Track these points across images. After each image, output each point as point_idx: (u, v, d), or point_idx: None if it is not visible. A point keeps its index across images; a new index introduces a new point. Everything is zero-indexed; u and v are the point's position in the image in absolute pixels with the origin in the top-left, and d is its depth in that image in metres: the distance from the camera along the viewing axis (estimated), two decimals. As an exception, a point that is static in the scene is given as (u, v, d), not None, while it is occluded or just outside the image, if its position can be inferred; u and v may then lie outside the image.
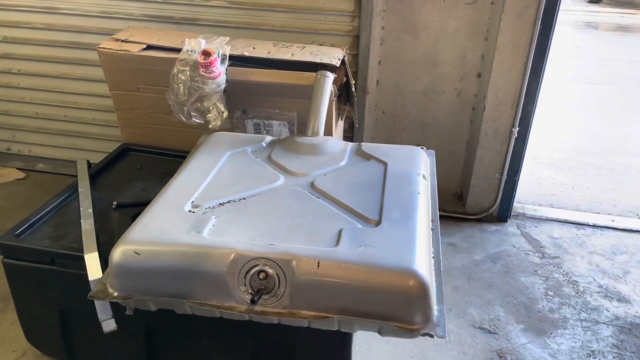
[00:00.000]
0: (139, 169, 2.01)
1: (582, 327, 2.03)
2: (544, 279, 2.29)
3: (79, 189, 1.79)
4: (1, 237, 1.55)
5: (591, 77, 5.52)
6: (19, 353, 1.83)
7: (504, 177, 2.58)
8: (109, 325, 1.43)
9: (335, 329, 1.21)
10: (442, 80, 2.50)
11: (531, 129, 2.48)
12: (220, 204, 1.38)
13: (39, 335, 1.72)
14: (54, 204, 1.73)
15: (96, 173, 1.94)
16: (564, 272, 2.33)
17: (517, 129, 2.45)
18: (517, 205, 2.79)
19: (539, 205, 2.88)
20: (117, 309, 1.40)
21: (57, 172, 2.99)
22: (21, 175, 2.96)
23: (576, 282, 2.28)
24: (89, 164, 1.97)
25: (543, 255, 2.44)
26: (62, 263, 1.53)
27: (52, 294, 1.59)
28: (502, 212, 2.68)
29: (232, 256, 1.17)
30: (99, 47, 2.01)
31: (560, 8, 2.25)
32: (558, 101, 4.64)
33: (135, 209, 1.69)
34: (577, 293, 2.21)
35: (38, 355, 1.77)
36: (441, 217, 2.68)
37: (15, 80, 2.84)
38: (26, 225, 1.61)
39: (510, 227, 2.66)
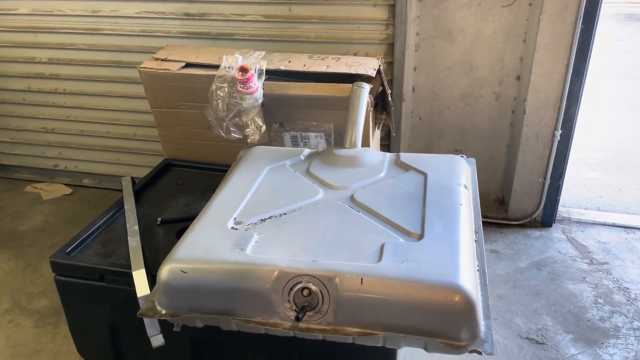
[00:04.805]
0: (181, 184, 2.05)
1: (635, 336, 1.95)
2: (593, 286, 2.21)
3: (125, 206, 1.84)
4: (53, 255, 1.61)
5: (636, 72, 5.33)
6: (72, 366, 1.90)
7: (547, 181, 2.51)
8: (157, 340, 1.47)
9: (380, 345, 1.20)
10: (479, 84, 2.46)
11: (575, 131, 2.41)
12: (261, 220, 1.40)
13: (91, 349, 1.77)
14: (101, 221, 1.78)
15: (140, 189, 1.99)
16: (614, 279, 2.25)
17: (560, 131, 2.38)
18: (562, 209, 2.71)
19: (585, 209, 2.79)
20: (164, 324, 1.43)
21: (102, 186, 3.09)
22: (68, 190, 3.07)
23: (627, 288, 2.19)
24: (133, 181, 2.02)
25: (591, 261, 2.36)
26: (111, 280, 1.57)
27: (102, 309, 1.64)
28: (546, 217, 2.61)
29: (275, 273, 1.18)
30: (140, 67, 2.07)
31: (601, 2, 2.18)
32: (601, 98, 4.49)
33: (179, 224, 1.73)
34: (628, 300, 2.13)
35: (90, 368, 1.82)
36: (483, 223, 2.63)
37: (61, 100, 2.95)
38: (76, 243, 1.67)
39: (556, 232, 2.58)
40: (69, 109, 2.97)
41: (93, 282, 1.59)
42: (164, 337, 1.46)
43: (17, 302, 2.20)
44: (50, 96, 2.96)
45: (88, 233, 1.72)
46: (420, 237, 1.29)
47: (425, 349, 1.17)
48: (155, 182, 2.07)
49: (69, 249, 1.64)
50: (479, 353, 1.11)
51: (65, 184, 3.13)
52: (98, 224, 1.77)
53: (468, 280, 1.16)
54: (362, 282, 1.15)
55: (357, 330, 1.17)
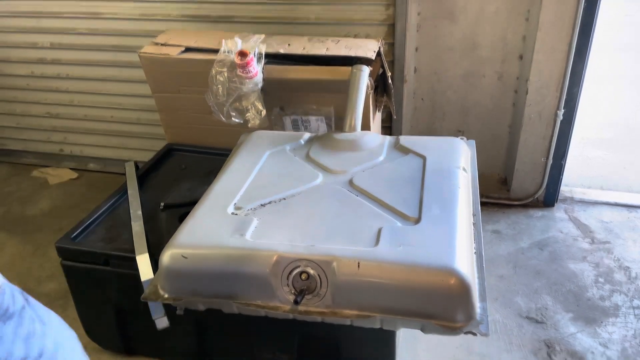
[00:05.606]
0: (183, 169, 2.07)
1: (634, 315, 1.97)
2: (593, 265, 2.23)
3: (128, 191, 1.87)
4: (59, 241, 1.65)
5: (643, 47, 5.24)
6: (80, 347, 1.94)
7: (550, 161, 2.51)
8: (162, 322, 1.50)
9: (377, 327, 1.23)
10: (482, 64, 2.44)
11: (577, 110, 2.40)
12: (261, 205, 1.41)
13: (98, 331, 1.82)
14: (105, 207, 1.81)
15: (143, 174, 2.02)
16: (615, 258, 2.26)
17: (563, 111, 2.37)
18: (565, 188, 2.71)
19: (588, 188, 2.78)
20: (168, 307, 1.47)
21: (107, 170, 3.12)
22: (74, 175, 3.10)
23: (628, 267, 2.20)
24: (137, 166, 2.04)
25: (593, 241, 2.37)
26: (115, 264, 1.61)
27: (108, 293, 1.68)
28: (549, 197, 2.61)
29: (274, 258, 1.21)
30: (140, 52, 2.07)
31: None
32: (607, 75, 4.43)
33: (182, 209, 1.76)
34: (629, 279, 2.14)
35: (98, 350, 1.86)
36: (485, 203, 2.66)
37: (64, 85, 2.96)
38: (81, 228, 1.70)
39: (558, 212, 2.59)
40: (73, 93, 2.98)
41: (98, 266, 1.63)
42: (169, 319, 1.50)
43: (25, 286, 2.24)
44: (53, 81, 2.97)
45: (92, 218, 1.75)
46: (418, 220, 1.30)
47: (422, 330, 1.19)
48: (158, 166, 2.10)
49: (74, 235, 1.67)
50: (475, 334, 1.13)
51: (71, 169, 3.15)
52: (102, 209, 1.80)
53: (464, 263, 1.17)
54: (359, 266, 1.17)
55: (355, 312, 1.20)
